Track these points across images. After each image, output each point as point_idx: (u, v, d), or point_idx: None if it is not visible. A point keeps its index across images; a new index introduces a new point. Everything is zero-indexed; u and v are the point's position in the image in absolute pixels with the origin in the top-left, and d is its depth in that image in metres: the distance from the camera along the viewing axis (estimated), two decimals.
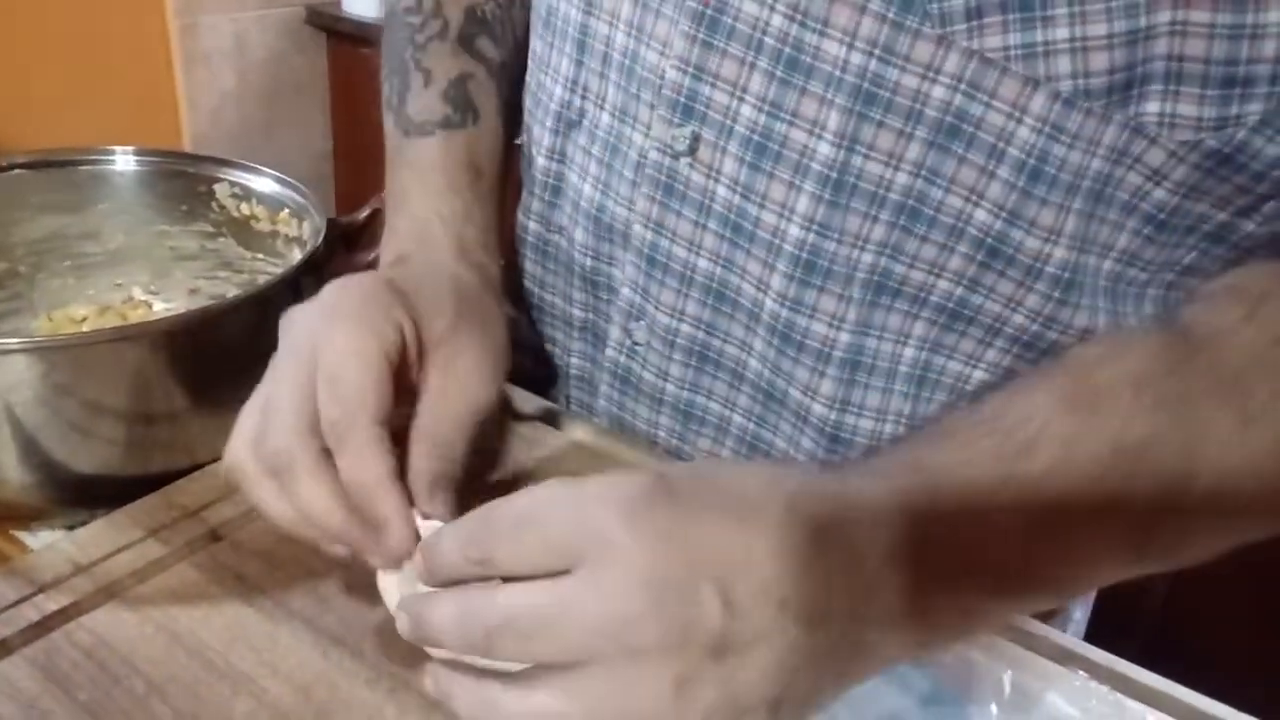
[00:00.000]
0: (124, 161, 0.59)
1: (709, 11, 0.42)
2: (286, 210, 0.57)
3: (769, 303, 0.46)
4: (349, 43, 1.72)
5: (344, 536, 0.35)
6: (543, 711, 0.27)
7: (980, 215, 0.41)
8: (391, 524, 0.35)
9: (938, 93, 0.39)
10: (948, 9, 0.37)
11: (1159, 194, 0.39)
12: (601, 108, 0.49)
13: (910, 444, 0.32)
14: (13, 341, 0.43)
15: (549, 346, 0.58)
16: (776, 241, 0.44)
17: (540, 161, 0.53)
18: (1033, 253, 0.41)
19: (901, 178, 0.41)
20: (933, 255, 0.42)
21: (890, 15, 0.38)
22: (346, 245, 0.54)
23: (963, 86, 0.38)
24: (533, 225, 0.56)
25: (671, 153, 0.45)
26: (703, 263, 0.47)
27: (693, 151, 0.45)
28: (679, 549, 0.27)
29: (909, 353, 0.45)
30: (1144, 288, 0.41)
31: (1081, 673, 0.37)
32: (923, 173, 0.40)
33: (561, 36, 0.50)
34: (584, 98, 0.50)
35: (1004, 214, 0.40)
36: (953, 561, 0.29)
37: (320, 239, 0.51)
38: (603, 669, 0.26)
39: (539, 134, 0.53)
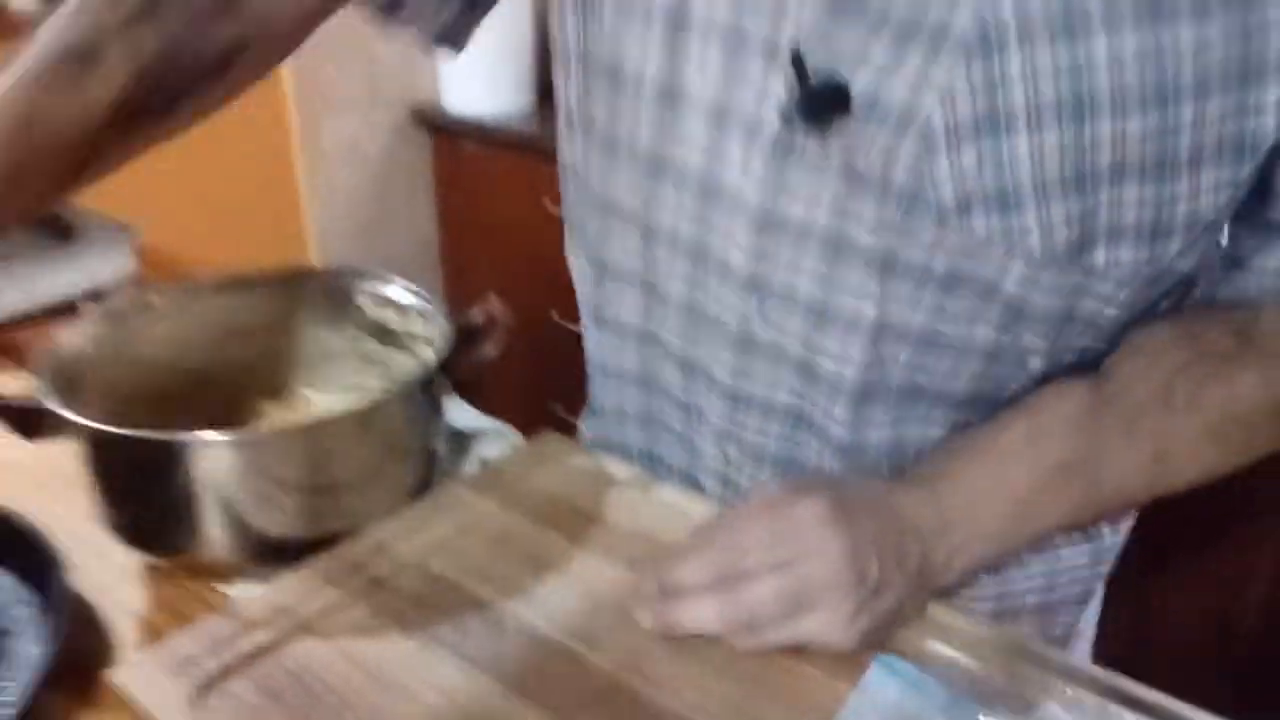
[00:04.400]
0: (294, 275, 0.72)
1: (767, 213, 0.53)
2: (413, 314, 0.69)
3: (834, 426, 0.57)
4: (451, 138, 1.89)
5: None
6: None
7: (979, 336, 0.52)
8: None
9: (940, 260, 0.50)
10: (942, 205, 0.48)
11: (1109, 311, 0.51)
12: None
13: (942, 463, 0.53)
14: (219, 436, 0.55)
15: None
16: (837, 380, 0.56)
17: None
18: (1018, 358, 0.53)
19: (920, 318, 0.52)
20: (947, 367, 0.54)
21: (901, 212, 0.49)
22: (466, 341, 0.65)
23: (958, 256, 0.49)
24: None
25: (743, 317, 0.57)
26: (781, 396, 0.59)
27: (763, 316, 0.56)
28: (853, 543, 0.48)
29: (934, 433, 0.57)
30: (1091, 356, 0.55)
31: (1081, 689, 0.45)
32: (937, 315, 0.52)
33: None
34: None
35: (997, 332, 0.52)
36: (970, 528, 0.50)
37: (447, 340, 0.63)
38: (819, 609, 0.47)
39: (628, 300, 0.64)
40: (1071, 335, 0.52)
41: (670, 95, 0.54)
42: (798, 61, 0.47)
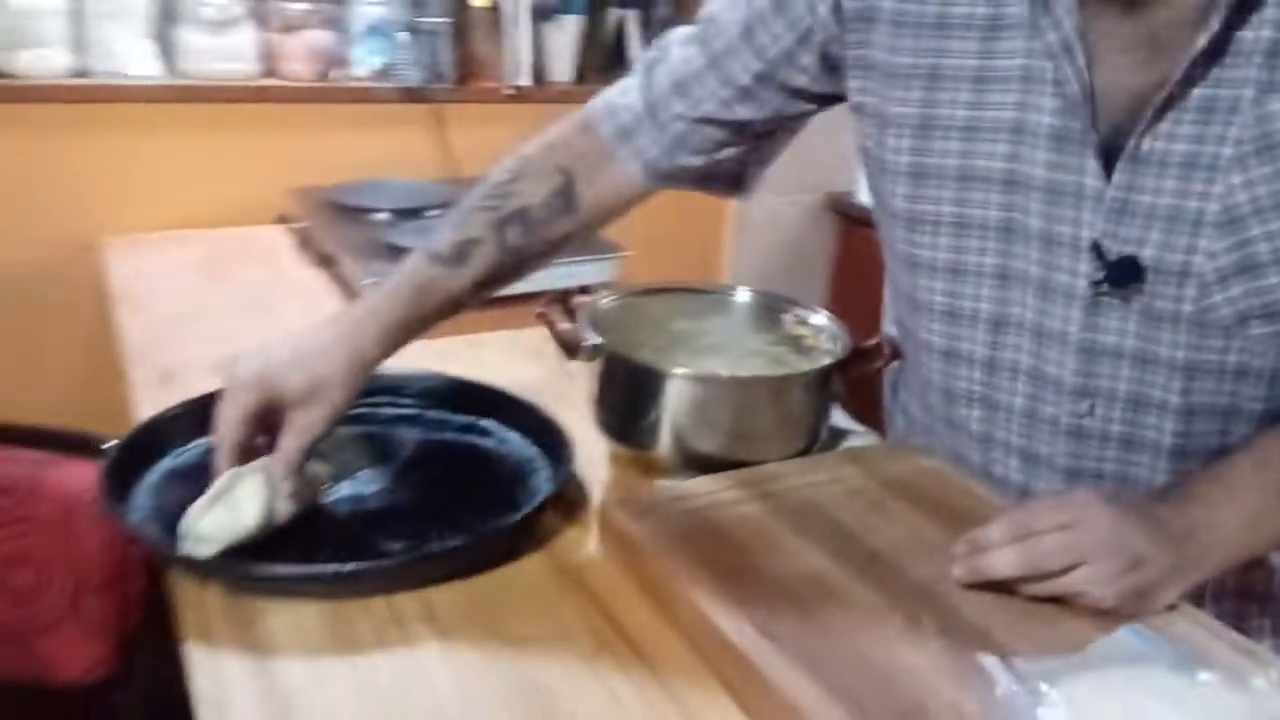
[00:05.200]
0: (738, 293, 0.99)
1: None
2: (824, 334, 0.93)
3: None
4: (856, 224, 2.15)
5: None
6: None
7: (1257, 408, 0.72)
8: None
9: (1230, 360, 0.69)
10: (1226, 324, 0.68)
11: None
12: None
13: (1189, 487, 0.69)
14: (687, 371, 0.82)
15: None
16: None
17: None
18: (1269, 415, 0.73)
19: (1222, 401, 0.71)
20: (1218, 428, 0.72)
21: (1194, 335, 0.69)
22: (859, 357, 0.88)
23: (1245, 356, 0.69)
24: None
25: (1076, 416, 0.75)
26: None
27: (1092, 412, 0.75)
28: (1122, 518, 0.64)
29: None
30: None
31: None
32: (1233, 397, 0.70)
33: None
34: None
35: (1265, 403, 0.71)
36: (1212, 535, 0.66)
37: (844, 351, 0.86)
38: (1091, 564, 0.63)
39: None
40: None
41: (1004, 277, 0.75)
42: (1096, 249, 0.69)
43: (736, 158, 0.87)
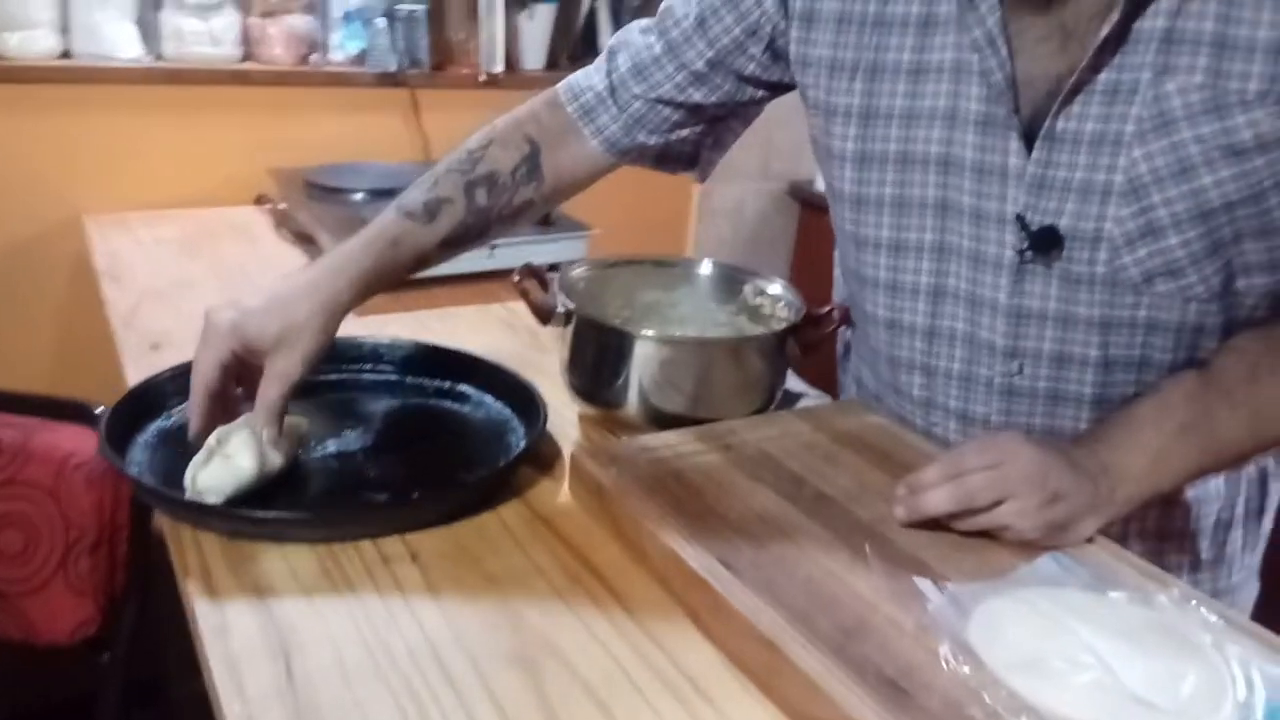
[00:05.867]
0: (702, 265, 1.05)
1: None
2: (781, 303, 0.99)
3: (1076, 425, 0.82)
4: (816, 211, 2.22)
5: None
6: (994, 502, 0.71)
7: (1166, 358, 0.79)
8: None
9: (1141, 315, 0.76)
10: (1135, 283, 0.75)
11: (1238, 320, 0.78)
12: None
13: (1097, 431, 0.77)
14: (651, 333, 0.88)
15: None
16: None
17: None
18: (1172, 364, 0.78)
19: (1135, 353, 0.77)
20: (1134, 379, 0.79)
21: (1108, 293, 0.75)
22: (812, 322, 0.94)
23: (1154, 311, 0.76)
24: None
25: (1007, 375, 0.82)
26: None
27: (1021, 371, 0.81)
28: (1042, 457, 0.71)
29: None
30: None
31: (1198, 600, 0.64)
32: (1146, 348, 0.77)
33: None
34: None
35: (1172, 353, 0.78)
36: (1120, 473, 0.73)
37: (798, 317, 0.92)
38: (1015, 498, 0.69)
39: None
40: (1199, 342, 0.77)
41: (940, 250, 0.82)
42: (1020, 221, 0.76)
43: (691, 139, 0.94)
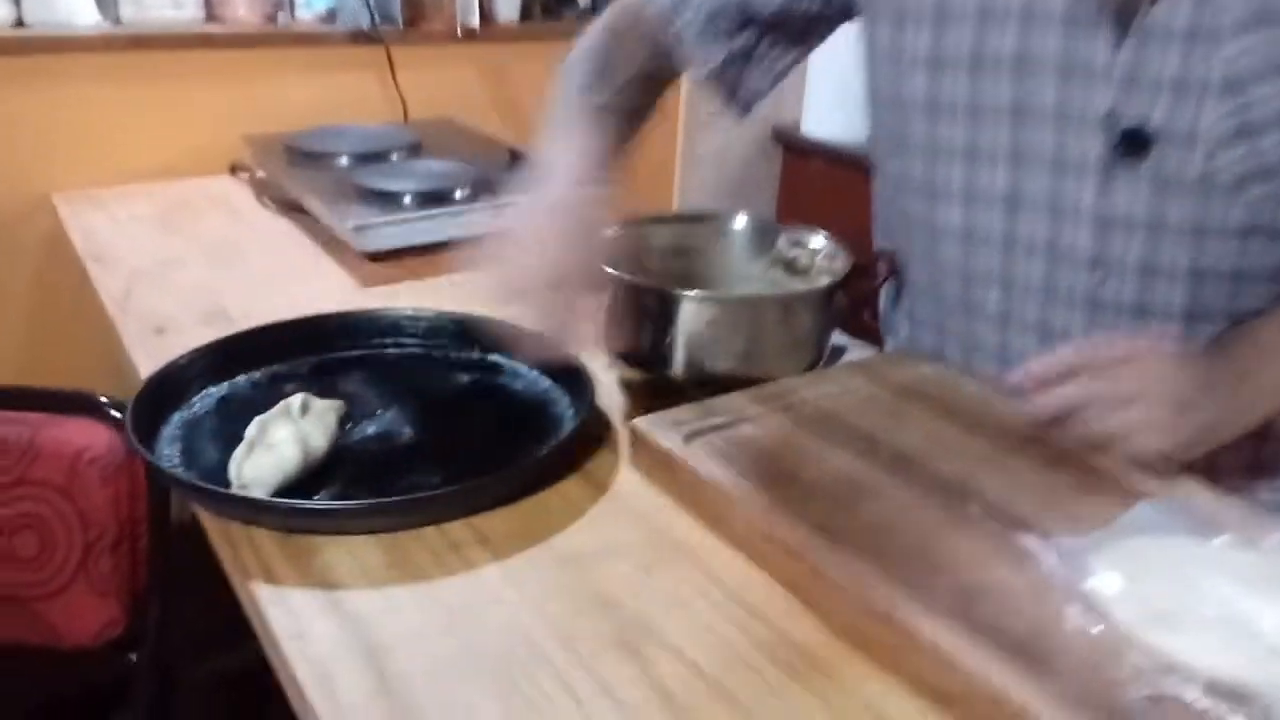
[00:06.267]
0: (735, 220, 1.01)
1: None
2: (821, 254, 0.96)
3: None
4: (801, 155, 2.18)
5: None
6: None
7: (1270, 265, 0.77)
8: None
9: (1234, 216, 0.73)
10: (1228, 187, 0.72)
11: None
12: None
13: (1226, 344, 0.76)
14: (695, 293, 0.84)
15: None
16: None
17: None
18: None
19: (1228, 262, 0.75)
20: (1231, 290, 0.77)
21: (1202, 198, 0.73)
22: (858, 274, 0.91)
23: (1250, 215, 0.73)
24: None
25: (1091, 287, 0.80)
26: None
27: (1105, 282, 0.79)
28: (1175, 362, 0.72)
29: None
30: None
31: None
32: (1240, 257, 0.75)
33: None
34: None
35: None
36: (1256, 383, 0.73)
37: (845, 269, 0.89)
38: (1143, 401, 0.70)
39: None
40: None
41: (1015, 156, 0.79)
42: (1108, 121, 0.74)
43: (742, 52, 0.94)
